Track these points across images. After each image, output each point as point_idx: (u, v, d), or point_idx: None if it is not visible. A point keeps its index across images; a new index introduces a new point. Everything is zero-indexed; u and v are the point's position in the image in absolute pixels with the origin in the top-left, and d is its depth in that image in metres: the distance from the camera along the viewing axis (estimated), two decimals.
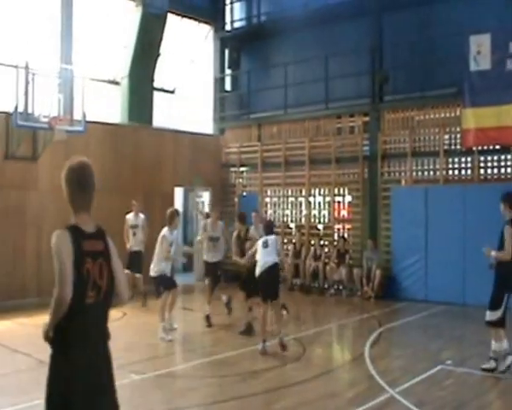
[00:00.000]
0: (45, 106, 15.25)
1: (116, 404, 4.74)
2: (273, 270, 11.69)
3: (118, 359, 10.84)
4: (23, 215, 15.92)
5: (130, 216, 16.58)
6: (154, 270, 12.90)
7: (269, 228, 12.27)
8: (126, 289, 4.85)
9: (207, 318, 13.90)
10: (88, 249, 4.46)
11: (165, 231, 12.77)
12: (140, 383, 9.56)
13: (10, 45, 17.80)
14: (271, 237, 11.94)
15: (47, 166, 16.69)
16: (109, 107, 20.16)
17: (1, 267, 15.20)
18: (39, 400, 8.25)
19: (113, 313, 13.38)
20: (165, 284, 12.96)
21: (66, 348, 4.48)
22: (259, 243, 11.91)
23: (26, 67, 14.89)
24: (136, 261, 16.10)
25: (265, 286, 11.67)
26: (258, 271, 11.74)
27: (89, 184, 4.62)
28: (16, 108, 14.95)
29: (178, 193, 21.88)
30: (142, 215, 16.72)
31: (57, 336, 4.50)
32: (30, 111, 15.01)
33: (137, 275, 16.05)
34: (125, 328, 13.34)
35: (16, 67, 15.01)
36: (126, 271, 15.31)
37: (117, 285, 4.68)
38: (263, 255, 11.75)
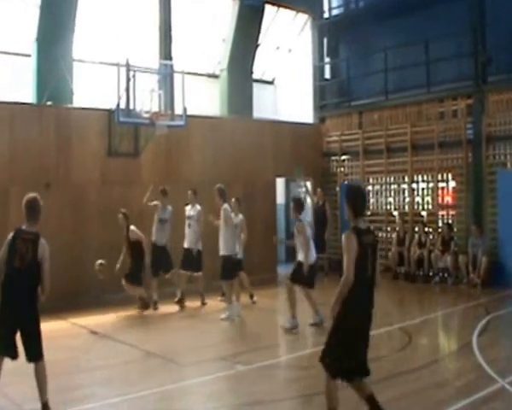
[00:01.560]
0: (146, 102, 15.47)
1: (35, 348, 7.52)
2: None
3: (223, 350, 11.09)
4: (127, 209, 16.21)
5: (187, 207, 15.43)
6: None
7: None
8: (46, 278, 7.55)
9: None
10: (22, 237, 7.47)
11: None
12: (245, 373, 9.64)
13: (111, 44, 18.24)
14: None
15: (149, 160, 17.03)
16: (209, 100, 20.36)
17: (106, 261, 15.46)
18: (146, 391, 8.58)
19: (215, 305, 13.50)
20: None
21: (2, 292, 7.43)
22: (308, 229, 12.69)
23: (127, 65, 15.15)
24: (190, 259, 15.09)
25: (313, 275, 12.61)
26: (310, 260, 12.37)
27: (33, 209, 7.58)
28: (118, 104, 15.23)
29: (280, 184, 21.91)
30: (198, 207, 15.28)
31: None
32: (131, 107, 15.24)
33: (196, 274, 15.25)
34: (230, 320, 13.46)
35: (117, 64, 15.29)
36: (181, 271, 15.23)
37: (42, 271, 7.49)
38: (312, 248, 12.65)
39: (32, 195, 7.70)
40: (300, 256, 12.36)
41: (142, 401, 8.37)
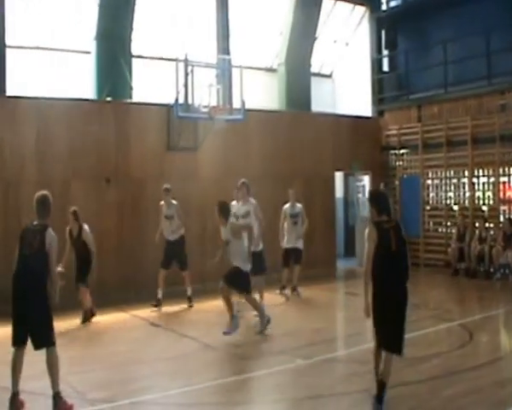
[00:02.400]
0: (205, 96, 15.54)
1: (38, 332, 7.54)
2: None
3: (283, 343, 11.12)
4: (186, 204, 16.25)
5: (233, 203, 14.42)
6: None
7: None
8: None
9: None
10: (32, 229, 7.86)
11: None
12: (306, 367, 9.62)
13: (169, 39, 18.37)
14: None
15: (208, 155, 17.07)
16: (267, 94, 20.36)
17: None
18: (206, 383, 8.66)
19: (276, 299, 13.58)
20: None
21: (13, 280, 7.68)
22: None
23: (186, 60, 15.23)
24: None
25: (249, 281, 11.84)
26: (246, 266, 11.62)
27: (43, 205, 7.95)
28: (177, 99, 15.34)
29: (338, 177, 21.80)
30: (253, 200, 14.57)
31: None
32: (190, 102, 15.33)
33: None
34: (289, 313, 13.46)
35: (176, 60, 15.40)
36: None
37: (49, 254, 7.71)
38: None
39: (42, 192, 8.12)
40: (236, 262, 11.49)
41: (202, 393, 8.43)
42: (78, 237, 12.85)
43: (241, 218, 13.57)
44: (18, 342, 7.57)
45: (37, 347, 7.53)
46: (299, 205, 15.30)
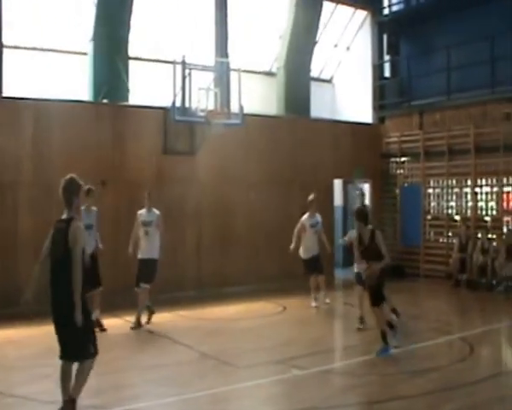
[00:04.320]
0: (202, 100, 15.49)
1: None
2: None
3: (279, 353, 10.87)
4: (182, 208, 16.18)
5: (142, 211, 13.31)
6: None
7: None
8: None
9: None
10: (56, 227, 7.16)
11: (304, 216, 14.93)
12: (301, 378, 9.41)
13: (167, 41, 18.23)
14: None
15: (205, 159, 16.98)
16: (265, 99, 20.12)
17: (162, 259, 14.98)
18: (199, 392, 8.43)
19: (273, 308, 13.38)
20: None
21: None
22: None
23: (183, 63, 15.16)
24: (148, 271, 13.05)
25: None
26: None
27: (63, 192, 7.27)
28: (174, 103, 15.28)
29: (337, 185, 21.49)
30: (156, 211, 13.26)
31: None
32: (187, 106, 15.32)
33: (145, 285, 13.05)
34: (286, 322, 13.36)
35: (173, 62, 15.30)
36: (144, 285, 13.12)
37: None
38: None
39: (67, 176, 7.43)
40: None
41: (196, 402, 8.28)
42: None
43: (142, 226, 13.05)
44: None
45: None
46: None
